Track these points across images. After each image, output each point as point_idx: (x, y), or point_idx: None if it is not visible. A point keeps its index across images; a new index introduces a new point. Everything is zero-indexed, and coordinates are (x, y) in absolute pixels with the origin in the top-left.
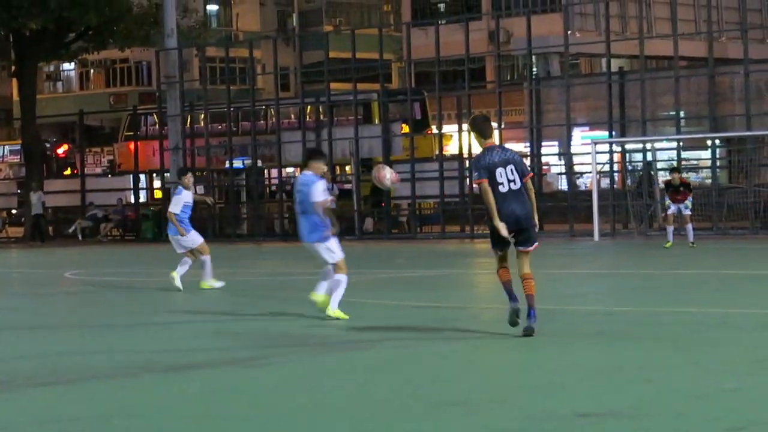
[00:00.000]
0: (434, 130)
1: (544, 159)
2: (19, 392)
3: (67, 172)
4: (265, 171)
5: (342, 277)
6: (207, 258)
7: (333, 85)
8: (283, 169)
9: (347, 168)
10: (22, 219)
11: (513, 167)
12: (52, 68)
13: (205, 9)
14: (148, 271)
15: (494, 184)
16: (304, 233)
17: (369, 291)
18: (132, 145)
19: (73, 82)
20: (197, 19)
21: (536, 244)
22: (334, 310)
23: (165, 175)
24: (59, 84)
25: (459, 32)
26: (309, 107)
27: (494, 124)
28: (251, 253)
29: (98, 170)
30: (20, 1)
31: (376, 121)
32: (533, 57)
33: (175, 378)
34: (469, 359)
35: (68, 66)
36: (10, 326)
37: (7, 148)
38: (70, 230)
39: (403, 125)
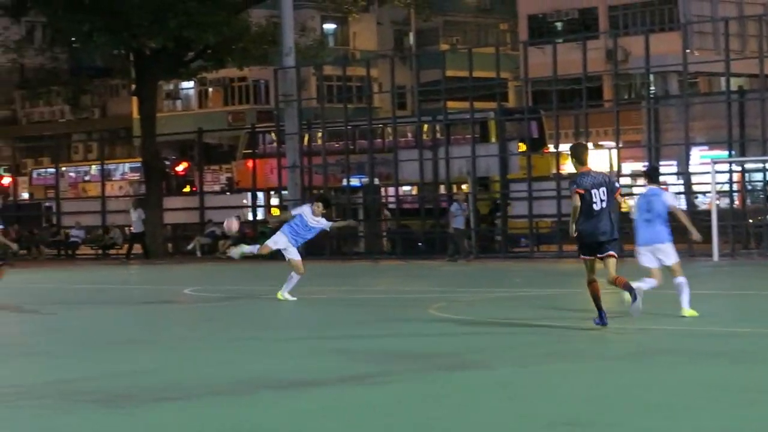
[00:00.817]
0: (551, 148)
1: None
2: (142, 407)
3: (186, 189)
4: (382, 189)
5: (683, 279)
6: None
7: (450, 104)
8: (399, 187)
9: (464, 187)
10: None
11: (605, 189)
12: (171, 87)
13: (322, 28)
14: (264, 288)
15: (589, 202)
16: (657, 236)
17: (487, 310)
18: (250, 163)
19: (192, 100)
20: (315, 38)
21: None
22: (688, 310)
23: (282, 192)
24: (178, 102)
25: (576, 51)
26: (426, 126)
27: (611, 143)
28: (368, 271)
29: (216, 188)
30: (140, 20)
31: (493, 140)
32: (651, 76)
33: (294, 395)
34: (585, 379)
35: (187, 84)
36: (132, 341)
37: (127, 165)
38: (189, 247)
39: (520, 144)
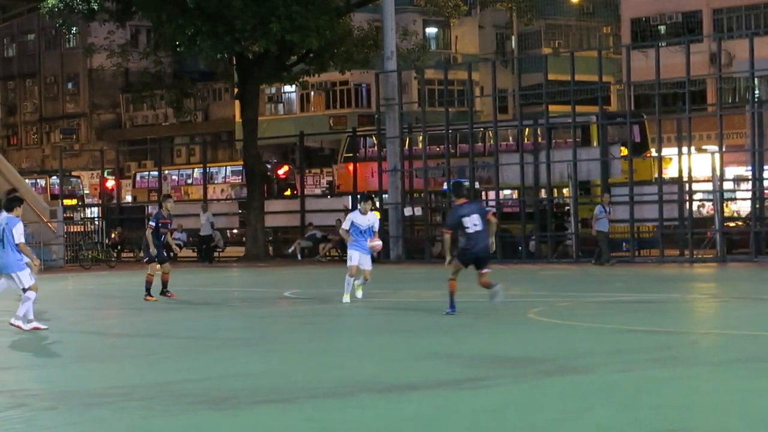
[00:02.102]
0: (653, 153)
1: (766, 183)
2: (241, 409)
3: (287, 192)
4: (483, 193)
5: None
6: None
7: (551, 108)
8: (500, 192)
9: (565, 191)
10: (243, 239)
11: (477, 215)
12: (273, 90)
13: (424, 32)
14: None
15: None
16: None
17: (588, 314)
18: (351, 167)
19: (294, 104)
20: (416, 41)
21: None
22: None
23: (383, 196)
24: (280, 106)
25: (679, 54)
26: (527, 129)
27: (714, 148)
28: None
29: (317, 191)
30: (243, 24)
31: (595, 144)
32: (756, 79)
33: (393, 399)
34: (689, 386)
35: (289, 88)
36: (231, 344)
37: (229, 169)
38: (290, 250)
39: (622, 148)
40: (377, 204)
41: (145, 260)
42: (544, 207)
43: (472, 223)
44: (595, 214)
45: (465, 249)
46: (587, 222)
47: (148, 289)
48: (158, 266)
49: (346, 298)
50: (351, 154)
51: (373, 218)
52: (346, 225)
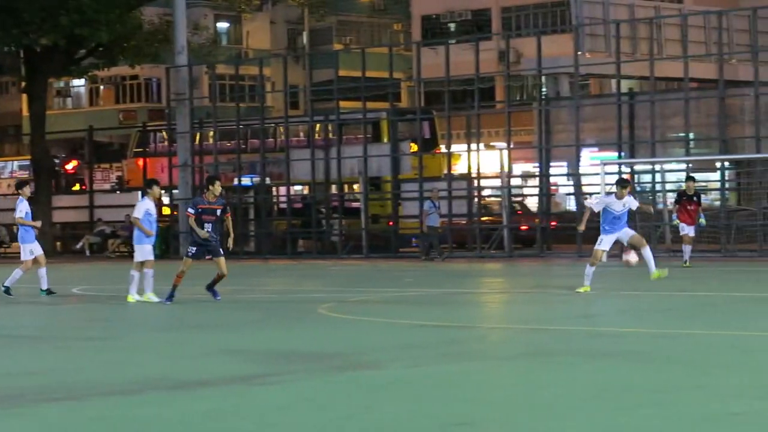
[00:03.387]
0: (443, 149)
1: (552, 179)
2: (28, 407)
3: (76, 188)
4: (274, 188)
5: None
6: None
7: (342, 104)
8: (291, 187)
9: (355, 186)
10: None
11: (218, 210)
12: (62, 84)
13: (215, 26)
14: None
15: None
16: None
17: (378, 310)
18: (141, 162)
19: (83, 98)
20: (208, 36)
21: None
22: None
23: (173, 191)
24: (69, 100)
25: (469, 52)
26: (318, 125)
27: (502, 144)
28: (259, 271)
29: (107, 186)
30: (32, 17)
31: (385, 140)
32: (543, 77)
33: (184, 395)
34: (478, 379)
35: (78, 82)
36: (18, 341)
37: (16, 163)
38: (78, 246)
39: (412, 144)
40: (167, 200)
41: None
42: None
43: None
44: (424, 210)
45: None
46: (378, 218)
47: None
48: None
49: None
50: (141, 149)
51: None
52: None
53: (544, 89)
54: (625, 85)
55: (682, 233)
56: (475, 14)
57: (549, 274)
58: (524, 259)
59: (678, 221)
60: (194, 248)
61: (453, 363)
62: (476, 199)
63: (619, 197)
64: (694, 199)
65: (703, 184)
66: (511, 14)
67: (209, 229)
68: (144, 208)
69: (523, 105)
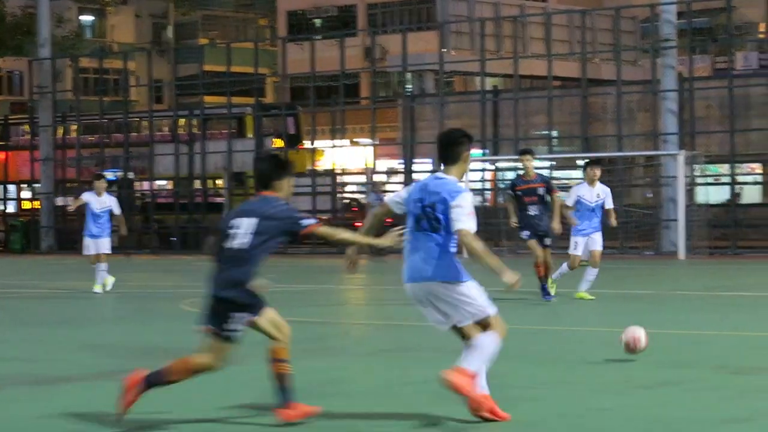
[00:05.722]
0: (307, 144)
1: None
2: None
3: None
4: (137, 183)
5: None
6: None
7: (207, 99)
8: (155, 182)
9: (219, 182)
10: None
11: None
12: None
13: (79, 20)
14: (15, 282)
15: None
16: None
17: None
18: (2, 155)
19: None
20: (71, 29)
21: None
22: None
23: (35, 185)
24: None
25: (335, 48)
26: (182, 120)
27: (368, 140)
28: (120, 266)
29: None
30: None
31: (250, 135)
32: (408, 74)
33: (46, 391)
34: (340, 376)
35: None
36: None
37: None
38: None
39: (277, 139)
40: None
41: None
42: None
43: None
44: (369, 203)
45: None
46: None
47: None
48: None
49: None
50: (2, 143)
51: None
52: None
53: (409, 86)
54: (489, 82)
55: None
56: (342, 10)
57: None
58: (388, 255)
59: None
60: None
61: (314, 359)
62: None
63: (590, 180)
64: None
65: (566, 181)
66: (377, 11)
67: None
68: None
69: (388, 101)
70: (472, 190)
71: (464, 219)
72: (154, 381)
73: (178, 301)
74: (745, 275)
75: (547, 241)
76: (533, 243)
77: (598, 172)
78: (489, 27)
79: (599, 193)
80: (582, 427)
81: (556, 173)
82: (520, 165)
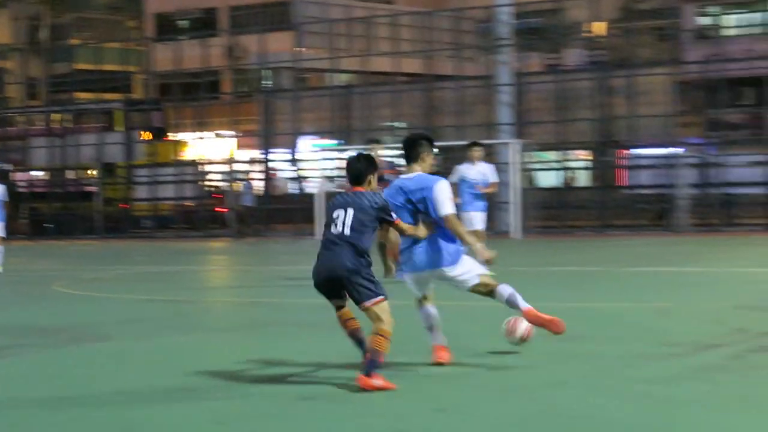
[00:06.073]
0: (173, 137)
1: (274, 164)
2: None
3: None
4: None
5: None
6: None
7: (79, 95)
8: (31, 173)
9: (91, 172)
10: None
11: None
12: None
13: None
14: None
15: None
16: None
17: (109, 286)
18: None
19: None
20: None
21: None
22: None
23: None
24: None
25: (198, 47)
26: (56, 115)
27: (230, 132)
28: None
29: None
30: None
31: (119, 129)
32: (266, 71)
33: None
34: (201, 349)
35: None
36: None
37: None
38: None
39: (145, 132)
40: None
41: None
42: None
43: None
44: (240, 191)
45: None
46: (112, 201)
47: None
48: None
49: None
50: None
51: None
52: None
53: (267, 82)
54: (341, 78)
55: None
56: (205, 13)
57: (268, 251)
58: (250, 238)
59: None
60: None
61: (177, 335)
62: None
63: (472, 160)
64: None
65: None
66: (237, 13)
67: None
68: None
69: (247, 96)
70: (327, 177)
71: (447, 204)
72: (376, 365)
73: (51, 282)
74: (572, 252)
75: None
76: None
77: (478, 152)
78: (340, 27)
79: (481, 171)
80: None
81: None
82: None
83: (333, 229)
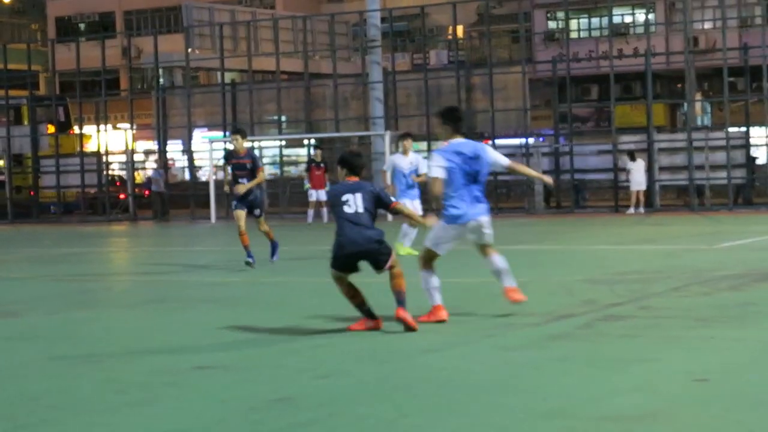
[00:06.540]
0: (76, 130)
1: (169, 155)
2: None
3: None
4: None
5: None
6: None
7: None
8: None
9: (0, 162)
10: None
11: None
12: None
13: None
14: None
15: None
16: None
17: (19, 267)
18: None
19: None
20: None
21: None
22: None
23: None
24: None
25: (97, 48)
26: None
27: (127, 126)
28: None
29: None
30: None
31: (26, 123)
32: (160, 70)
33: None
34: (107, 324)
35: None
36: None
37: None
38: None
39: (50, 126)
40: None
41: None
42: None
43: None
44: (153, 177)
45: None
46: (20, 189)
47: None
48: None
49: None
50: None
51: None
52: None
53: (161, 80)
54: (228, 76)
55: (310, 199)
56: (102, 16)
57: (168, 234)
58: (146, 222)
59: (309, 186)
60: None
61: (83, 310)
62: (104, 172)
63: (404, 150)
64: (321, 165)
65: (294, 158)
66: (132, 16)
67: None
68: None
69: (143, 93)
70: (215, 166)
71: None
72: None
73: None
74: None
75: (257, 212)
76: (240, 213)
77: (408, 143)
78: (226, 30)
79: (412, 161)
80: (300, 359)
81: (286, 151)
82: (256, 145)
83: (347, 209)
